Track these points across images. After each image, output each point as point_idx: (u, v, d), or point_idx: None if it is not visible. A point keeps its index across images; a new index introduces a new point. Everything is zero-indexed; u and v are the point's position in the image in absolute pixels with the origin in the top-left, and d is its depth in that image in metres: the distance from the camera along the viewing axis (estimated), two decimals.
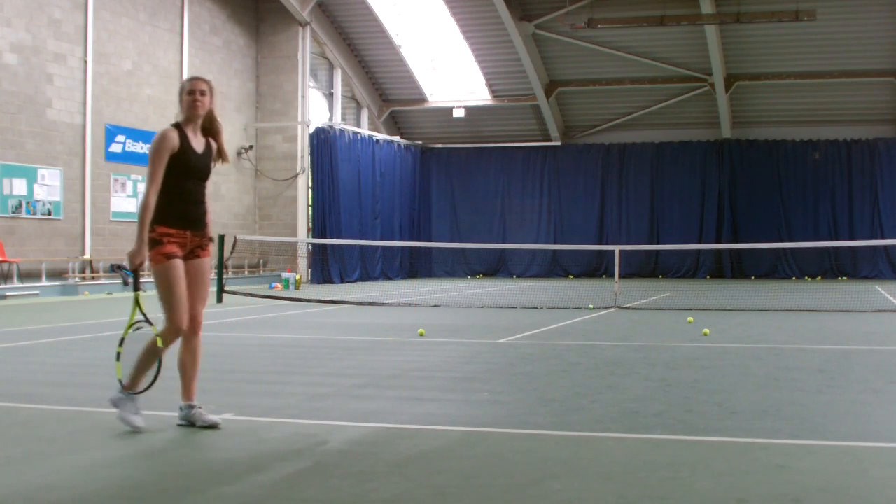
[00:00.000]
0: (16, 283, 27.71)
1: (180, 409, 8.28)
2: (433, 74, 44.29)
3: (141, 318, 8.16)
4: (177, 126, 8.17)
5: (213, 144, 8.42)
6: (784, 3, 34.89)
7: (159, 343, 8.07)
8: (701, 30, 37.28)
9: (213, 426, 8.14)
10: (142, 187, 32.07)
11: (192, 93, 8.22)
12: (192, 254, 8.24)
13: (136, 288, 8.19)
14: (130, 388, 8.12)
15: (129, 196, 31.77)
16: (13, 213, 28.13)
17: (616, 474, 6.55)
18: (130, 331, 8.17)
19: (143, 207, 7.95)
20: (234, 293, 26.57)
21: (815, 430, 8.12)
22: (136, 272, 8.10)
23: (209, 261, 8.41)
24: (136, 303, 8.21)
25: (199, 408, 8.28)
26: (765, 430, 8.01)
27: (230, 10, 37.73)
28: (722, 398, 9.59)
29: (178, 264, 8.08)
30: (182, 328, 8.13)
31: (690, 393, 9.90)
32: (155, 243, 8.00)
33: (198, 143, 8.24)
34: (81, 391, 8.95)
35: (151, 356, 8.12)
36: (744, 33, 37.90)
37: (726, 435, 7.81)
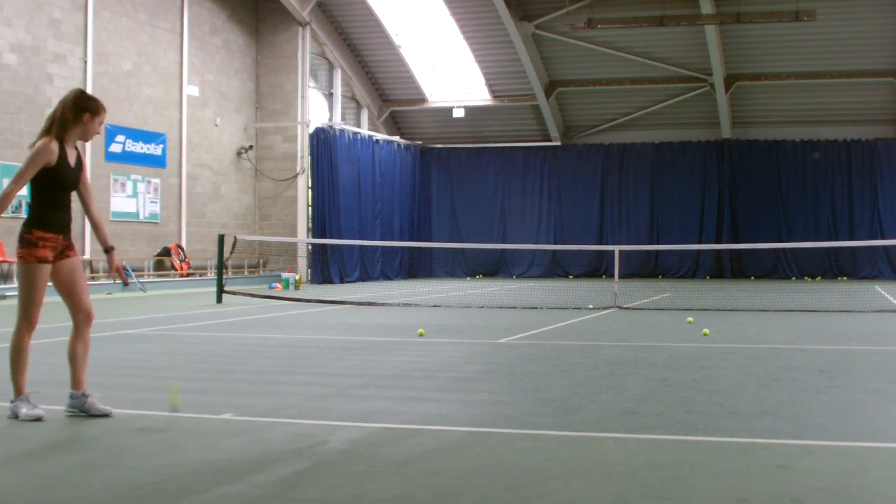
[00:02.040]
0: (15, 284, 27.69)
1: (71, 397, 8.68)
2: (433, 74, 44.29)
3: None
4: (58, 139, 8.57)
5: (82, 157, 8.91)
6: (784, 3, 34.87)
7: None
8: (701, 30, 37.28)
9: (106, 415, 8.60)
10: (142, 187, 32.12)
11: (101, 123, 8.80)
12: (62, 254, 8.64)
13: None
14: (20, 394, 8.57)
15: (129, 196, 31.75)
16: (13, 213, 28.05)
17: (616, 474, 6.55)
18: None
19: (4, 198, 8.42)
20: (234, 293, 26.57)
21: (816, 430, 8.12)
22: None
23: (79, 258, 8.87)
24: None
25: (92, 397, 8.70)
26: (765, 430, 8.01)
27: (230, 10, 37.74)
28: (722, 398, 9.59)
29: (47, 269, 8.53)
30: (36, 324, 8.57)
31: (690, 393, 9.90)
32: (30, 244, 8.46)
33: (72, 157, 8.68)
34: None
35: (21, 352, 8.57)
36: (744, 33, 37.90)
37: (726, 435, 7.80)
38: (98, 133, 8.83)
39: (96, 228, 8.98)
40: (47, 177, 8.45)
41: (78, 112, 8.56)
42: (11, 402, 8.51)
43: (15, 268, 8.60)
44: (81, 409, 8.57)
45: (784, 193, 42.01)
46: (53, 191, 8.53)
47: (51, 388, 9.86)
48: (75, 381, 8.64)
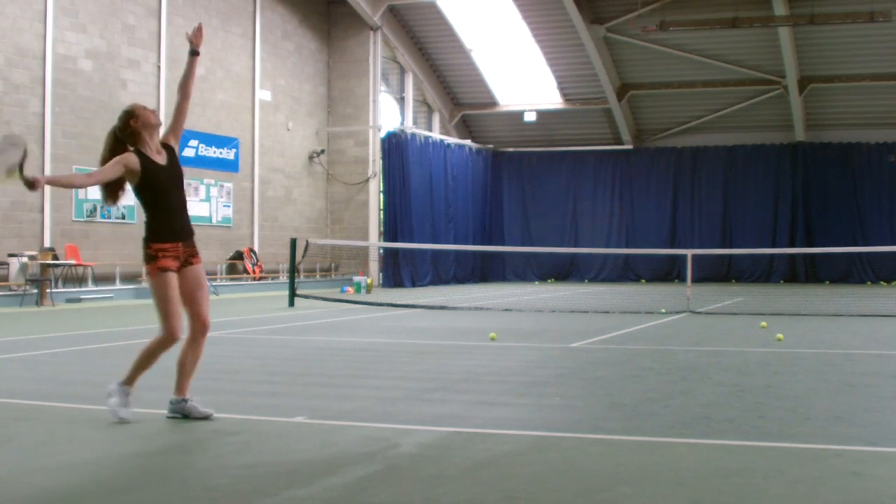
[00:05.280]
0: (90, 287, 28.03)
1: (171, 402, 8.67)
2: (504, 78, 44.26)
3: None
4: (135, 151, 8.55)
5: (175, 152, 8.82)
6: (858, 4, 34.50)
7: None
8: (774, 32, 37.00)
9: (206, 417, 8.59)
10: (214, 191, 32.37)
11: (145, 108, 8.75)
12: (186, 262, 8.65)
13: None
14: (128, 382, 8.62)
15: (202, 200, 32.00)
16: (88, 217, 28.47)
17: (688, 480, 6.51)
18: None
19: (77, 178, 8.40)
20: (306, 297, 26.69)
21: (891, 436, 8.03)
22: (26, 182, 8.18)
23: (202, 266, 8.83)
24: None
25: (192, 401, 8.66)
26: (839, 436, 7.93)
27: (302, 15, 37.95)
28: (795, 404, 9.50)
29: (173, 277, 8.51)
30: (177, 336, 8.53)
31: (763, 398, 9.82)
32: (151, 259, 8.52)
33: (160, 157, 8.61)
34: (153, 394, 9.04)
35: (151, 357, 8.62)
36: (817, 35, 37.53)
37: (800, 441, 7.73)
38: (155, 114, 8.69)
39: (184, 79, 8.86)
40: (142, 186, 8.48)
41: (124, 125, 8.57)
42: (120, 383, 8.56)
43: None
44: (183, 413, 8.58)
45: (859, 197, 41.60)
46: (156, 197, 8.53)
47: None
48: (179, 388, 8.62)
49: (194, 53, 8.85)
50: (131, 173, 8.44)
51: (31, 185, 8.10)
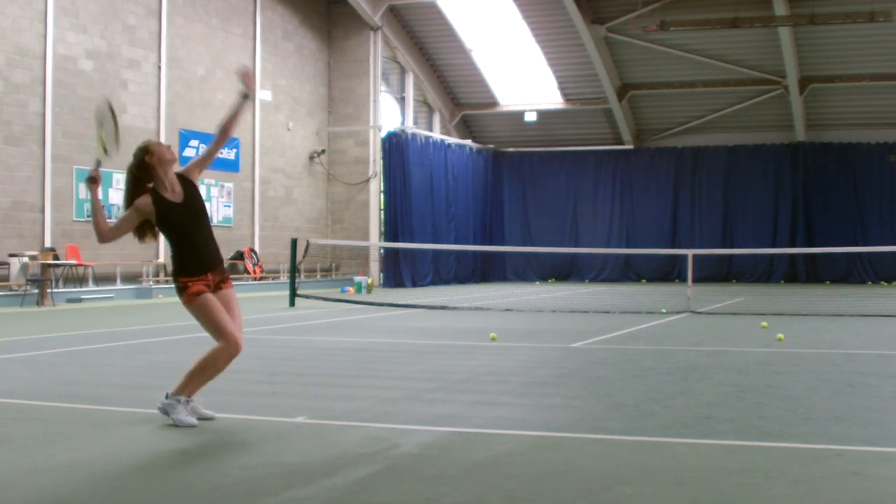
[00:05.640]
0: (91, 287, 28.02)
1: (166, 397, 8.55)
2: (504, 78, 44.22)
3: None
4: (151, 191, 8.50)
5: (193, 185, 8.77)
6: (859, 4, 34.47)
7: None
8: (774, 32, 36.97)
9: (208, 419, 8.54)
10: (215, 192, 32.33)
11: (159, 143, 8.85)
12: (217, 287, 8.58)
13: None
14: (178, 394, 8.45)
15: (203, 200, 31.90)
16: (89, 217, 28.43)
17: (689, 480, 6.50)
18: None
19: (104, 227, 8.51)
20: (307, 297, 26.67)
21: (892, 436, 8.02)
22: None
23: (233, 291, 8.78)
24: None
25: (194, 402, 8.57)
26: (840, 436, 7.92)
27: (302, 15, 37.94)
28: (796, 404, 9.50)
29: (209, 296, 8.43)
30: (238, 343, 8.45)
31: (764, 398, 9.81)
32: (182, 289, 8.44)
33: (175, 195, 8.53)
34: (154, 393, 9.03)
35: (207, 368, 8.49)
36: (818, 35, 37.50)
37: (800, 441, 7.72)
38: (170, 149, 8.69)
39: (228, 119, 8.97)
40: (160, 225, 8.44)
41: (139, 162, 8.49)
42: (168, 396, 8.44)
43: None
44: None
45: (859, 196, 41.56)
46: (174, 235, 8.48)
47: (124, 391, 9.96)
48: (179, 388, 8.51)
49: (246, 97, 8.89)
50: (148, 215, 8.41)
51: (96, 171, 8.49)
